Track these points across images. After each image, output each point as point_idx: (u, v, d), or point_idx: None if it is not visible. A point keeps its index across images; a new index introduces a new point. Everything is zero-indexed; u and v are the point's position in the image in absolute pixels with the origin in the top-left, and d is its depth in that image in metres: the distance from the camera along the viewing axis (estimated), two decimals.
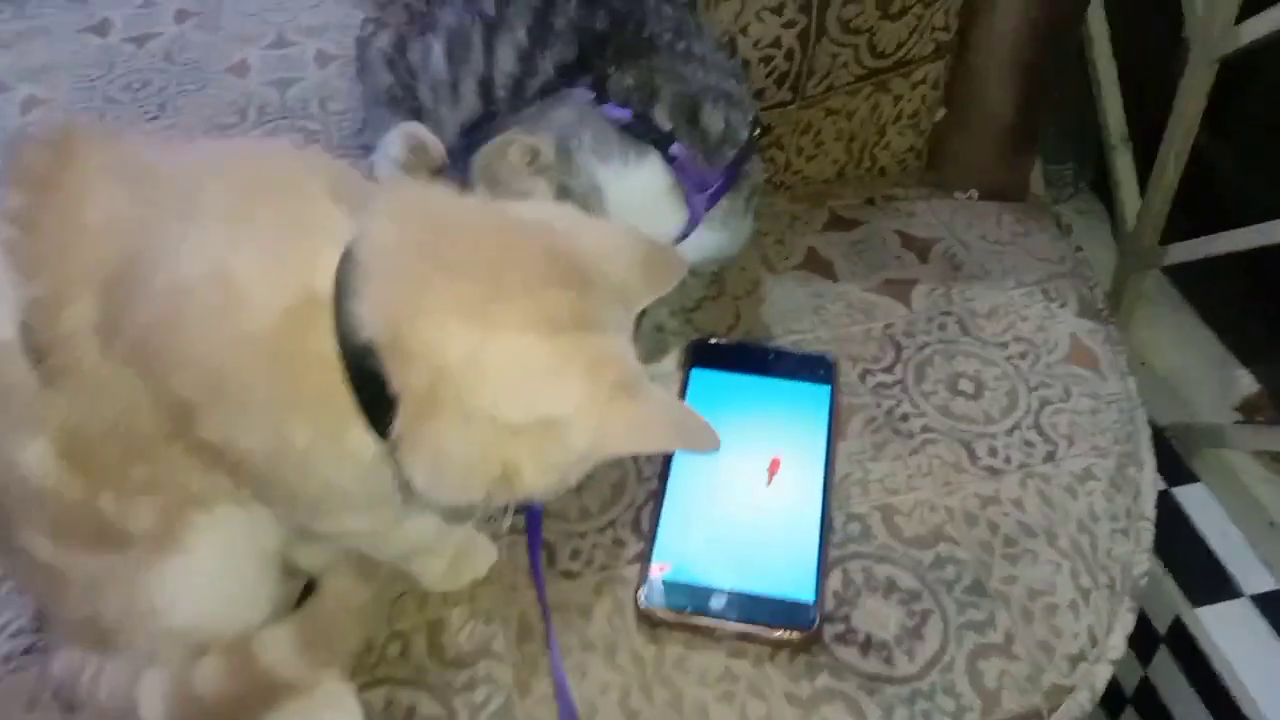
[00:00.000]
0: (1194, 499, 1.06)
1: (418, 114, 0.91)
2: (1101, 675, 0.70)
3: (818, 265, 0.95)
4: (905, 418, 0.82)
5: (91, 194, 0.50)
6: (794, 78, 0.93)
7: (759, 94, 0.93)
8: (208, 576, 0.55)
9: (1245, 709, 0.92)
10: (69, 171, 0.51)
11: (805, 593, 0.69)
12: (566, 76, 0.77)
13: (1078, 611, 0.72)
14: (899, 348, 0.88)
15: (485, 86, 0.85)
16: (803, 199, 1.02)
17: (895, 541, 0.74)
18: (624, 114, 0.72)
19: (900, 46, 0.95)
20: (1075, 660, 0.70)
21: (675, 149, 0.71)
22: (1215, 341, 1.23)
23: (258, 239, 0.48)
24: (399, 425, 0.46)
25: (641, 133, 0.71)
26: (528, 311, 0.46)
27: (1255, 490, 1.07)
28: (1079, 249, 1.00)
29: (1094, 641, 0.71)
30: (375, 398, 0.47)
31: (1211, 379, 1.20)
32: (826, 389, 0.81)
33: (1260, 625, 0.96)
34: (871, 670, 0.68)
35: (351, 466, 0.49)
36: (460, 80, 0.87)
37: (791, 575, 0.70)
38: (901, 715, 0.66)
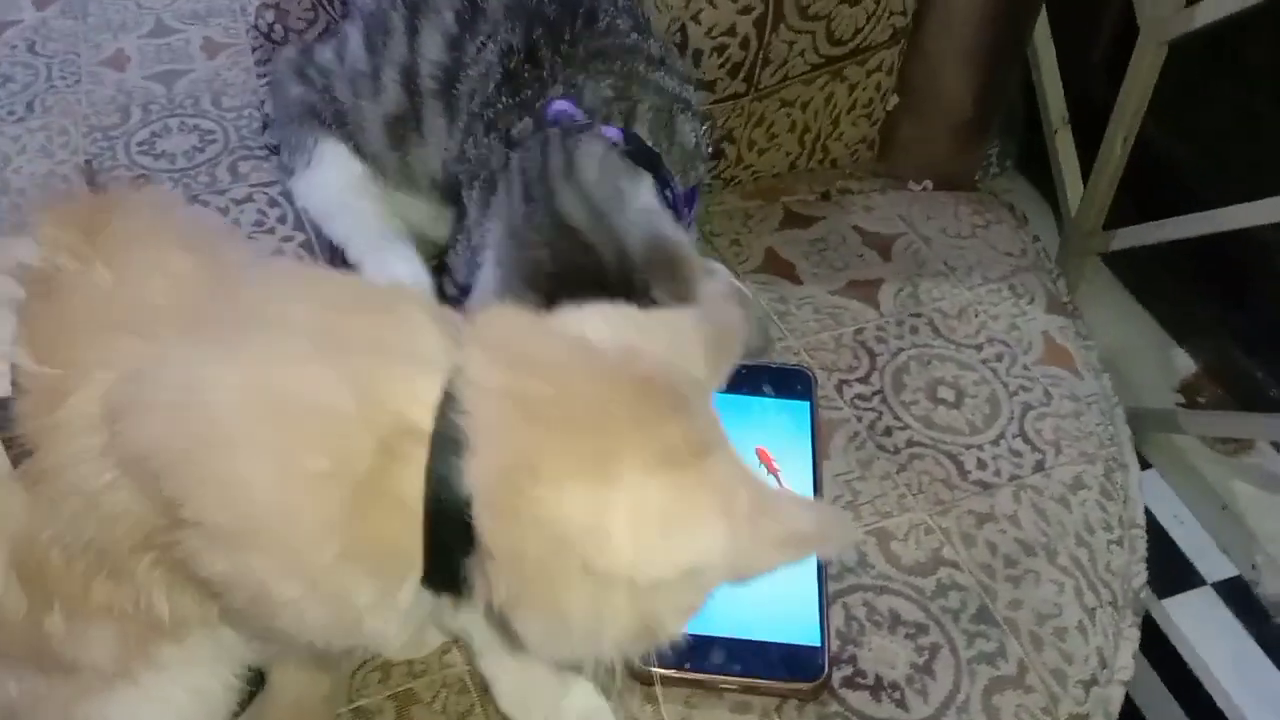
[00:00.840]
0: (1148, 486, 1.05)
1: (339, 118, 0.81)
2: (1115, 698, 0.67)
3: (779, 267, 0.89)
4: (889, 431, 0.78)
5: (133, 268, 0.42)
6: (749, 68, 0.87)
7: (710, 85, 0.87)
8: (163, 706, 0.46)
9: (1217, 699, 0.92)
10: (111, 237, 0.43)
11: (810, 636, 0.64)
12: (514, 69, 0.69)
13: (1086, 633, 0.69)
14: (873, 355, 0.83)
15: (408, 76, 0.76)
16: (754, 195, 0.96)
17: (894, 569, 0.70)
18: (616, 135, 0.64)
19: (858, 33, 0.89)
20: (1088, 685, 0.67)
21: (666, 171, 0.64)
22: (1151, 322, 1.22)
23: (343, 358, 0.40)
24: (499, 589, 0.41)
25: (637, 155, 0.63)
26: (646, 455, 0.40)
27: (1205, 472, 1.07)
28: (1036, 239, 0.98)
29: (1104, 663, 0.68)
30: (451, 553, 0.41)
31: (1151, 360, 1.20)
32: (806, 405, 0.76)
33: (1224, 612, 0.96)
34: (885, 716, 0.63)
35: (391, 617, 0.42)
36: (381, 70, 0.78)
37: (793, 618, 0.65)
38: None
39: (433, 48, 0.75)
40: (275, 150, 0.94)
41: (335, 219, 0.82)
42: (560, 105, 0.65)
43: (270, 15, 0.95)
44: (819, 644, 0.64)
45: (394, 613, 0.42)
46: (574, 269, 0.58)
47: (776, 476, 0.71)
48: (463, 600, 0.43)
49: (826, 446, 0.76)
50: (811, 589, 0.66)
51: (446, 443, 0.40)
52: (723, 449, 0.44)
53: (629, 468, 0.40)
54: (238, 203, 0.92)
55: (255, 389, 0.39)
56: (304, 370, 0.40)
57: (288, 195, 0.93)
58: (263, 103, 0.99)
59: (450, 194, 0.76)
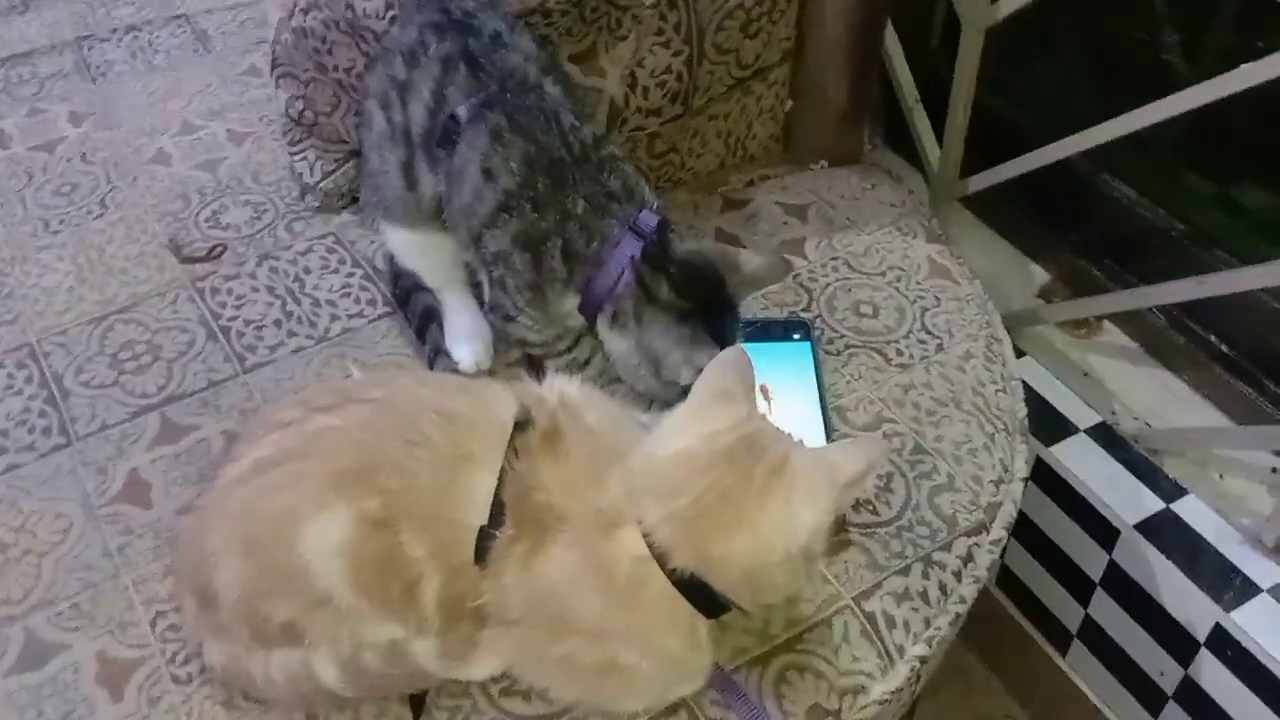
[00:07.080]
0: (1027, 368, 1.36)
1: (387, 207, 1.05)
2: (1017, 491, 0.97)
3: (728, 241, 1.18)
4: (831, 341, 1.07)
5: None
6: (683, 95, 1.15)
7: (658, 111, 1.15)
8: None
9: (1099, 509, 1.23)
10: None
11: None
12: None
13: (990, 451, 0.99)
14: (809, 291, 1.12)
15: (405, 133, 0.98)
16: (697, 190, 1.25)
17: (853, 430, 0.99)
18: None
19: (758, 58, 1.19)
20: (998, 484, 0.97)
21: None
22: (1009, 247, 1.54)
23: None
24: (744, 600, 0.72)
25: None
26: (755, 489, 0.68)
27: (1067, 352, 1.38)
28: (911, 191, 1.29)
29: (1006, 469, 0.98)
30: (711, 602, 0.71)
31: (1013, 277, 1.52)
32: (808, 345, 1.03)
33: (1096, 448, 1.27)
34: (865, 521, 0.92)
35: (702, 646, 0.74)
36: (395, 130, 1.00)
37: None
38: (896, 546, 0.90)
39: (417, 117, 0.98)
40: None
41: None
42: (646, 217, 0.89)
43: (300, 105, 1.20)
44: None
45: (703, 642, 0.73)
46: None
47: (770, 404, 0.97)
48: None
49: None
50: None
51: (661, 558, 0.68)
52: (795, 447, 0.71)
53: (752, 505, 0.68)
54: (303, 254, 1.17)
55: None
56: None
57: (341, 242, 1.18)
58: (300, 174, 1.23)
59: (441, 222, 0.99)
